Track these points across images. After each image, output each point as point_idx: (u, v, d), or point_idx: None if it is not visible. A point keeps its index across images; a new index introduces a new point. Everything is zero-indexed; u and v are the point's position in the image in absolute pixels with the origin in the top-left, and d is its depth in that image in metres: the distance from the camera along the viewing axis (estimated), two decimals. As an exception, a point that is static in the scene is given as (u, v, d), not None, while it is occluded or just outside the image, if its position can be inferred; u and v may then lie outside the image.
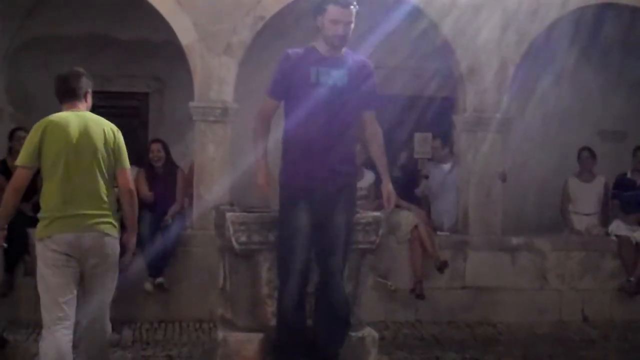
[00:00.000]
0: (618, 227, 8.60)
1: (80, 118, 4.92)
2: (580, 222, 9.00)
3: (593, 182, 9.10)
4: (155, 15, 7.99)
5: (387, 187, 4.94)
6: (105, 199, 4.77)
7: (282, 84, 4.80)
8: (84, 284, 4.75)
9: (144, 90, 10.19)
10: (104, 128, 4.89)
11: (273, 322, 4.89)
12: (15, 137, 8.13)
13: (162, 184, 8.09)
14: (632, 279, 8.33)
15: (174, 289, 7.80)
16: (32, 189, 7.94)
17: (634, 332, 7.97)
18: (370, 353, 5.10)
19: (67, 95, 5.13)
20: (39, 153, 4.77)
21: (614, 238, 8.55)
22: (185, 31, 7.97)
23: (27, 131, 8.06)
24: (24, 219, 7.69)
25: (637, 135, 9.87)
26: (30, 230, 7.64)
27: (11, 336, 6.99)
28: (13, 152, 8.13)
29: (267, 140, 4.86)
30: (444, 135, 8.89)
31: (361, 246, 5.07)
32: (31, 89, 9.71)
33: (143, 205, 7.84)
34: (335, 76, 4.74)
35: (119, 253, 4.88)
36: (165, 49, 9.04)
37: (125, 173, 4.90)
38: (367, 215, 5.11)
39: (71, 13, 9.42)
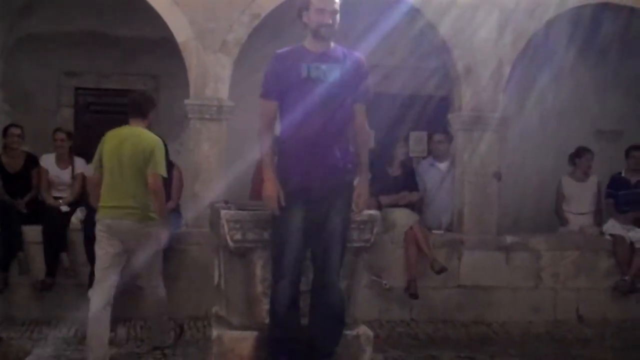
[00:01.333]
0: (613, 226, 8.61)
1: (130, 132, 6.15)
2: (574, 222, 9.00)
3: (587, 181, 9.11)
4: (151, 13, 7.98)
5: (362, 188, 4.90)
6: (136, 196, 5.98)
7: (274, 84, 4.80)
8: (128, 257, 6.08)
9: (140, 88, 10.15)
10: (144, 142, 6.07)
11: (268, 320, 4.88)
12: (9, 134, 8.10)
13: None
14: (626, 277, 8.34)
15: (168, 287, 7.77)
16: (26, 188, 8.02)
17: (628, 331, 7.99)
18: (365, 351, 5.09)
19: (132, 112, 6.28)
20: (100, 159, 6.13)
21: (608, 237, 8.56)
22: (181, 29, 7.96)
23: (21, 128, 8.14)
24: (18, 217, 7.70)
25: (632, 134, 9.88)
26: (24, 228, 7.65)
27: (5, 334, 6.98)
28: (8, 148, 8.12)
29: (273, 148, 4.83)
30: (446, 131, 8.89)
31: (356, 244, 5.06)
32: (27, 87, 9.70)
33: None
34: (327, 71, 4.74)
35: (154, 236, 6.08)
36: (161, 47, 9.02)
37: (153, 177, 6.01)
38: (362, 213, 5.09)
39: (67, 10, 9.40)
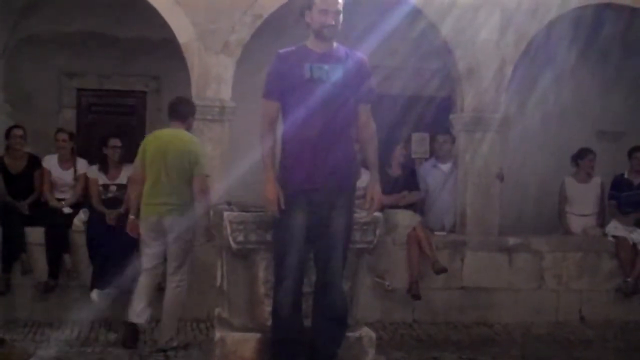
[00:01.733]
0: (615, 227, 8.61)
1: (172, 135, 6.68)
2: (577, 223, 9.00)
3: (590, 182, 9.09)
4: (153, 14, 7.97)
5: (374, 187, 4.90)
6: (179, 194, 6.50)
7: (277, 84, 4.79)
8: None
9: (142, 89, 10.17)
10: (188, 144, 6.60)
11: (270, 321, 4.87)
12: (11, 135, 8.08)
13: None
14: (629, 279, 8.35)
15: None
16: (29, 190, 8.01)
17: (631, 333, 7.99)
18: (367, 353, 5.08)
19: (171, 115, 6.81)
20: (143, 159, 6.61)
21: (611, 239, 8.56)
22: (183, 30, 7.96)
23: (23, 129, 8.13)
24: (21, 218, 7.70)
25: (634, 135, 9.87)
26: (27, 229, 7.65)
27: (7, 335, 6.97)
28: (9, 150, 8.11)
29: (274, 150, 4.82)
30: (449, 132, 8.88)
31: (359, 246, 5.05)
32: (29, 88, 9.70)
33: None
34: (330, 71, 4.73)
35: (190, 231, 6.58)
36: (162, 48, 9.02)
37: (198, 179, 6.53)
38: (372, 215, 5.07)
39: (69, 11, 9.40)
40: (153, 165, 6.55)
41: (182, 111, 6.78)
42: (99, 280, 7.40)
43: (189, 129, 6.87)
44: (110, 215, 7.66)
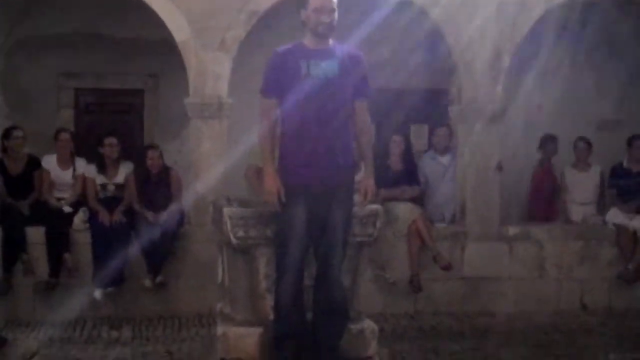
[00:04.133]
0: (615, 215, 8.60)
1: None
2: (577, 212, 9.01)
3: (589, 171, 9.12)
4: (149, 12, 7.98)
5: (368, 181, 4.93)
6: None
7: (274, 81, 4.81)
8: None
9: (139, 87, 10.18)
10: None
11: (272, 316, 4.89)
12: (12, 137, 8.07)
13: (155, 189, 8.03)
14: (630, 266, 8.35)
15: (172, 285, 7.82)
16: (28, 190, 8.03)
17: (632, 320, 7.98)
18: (369, 345, 5.11)
19: None
20: None
21: (611, 227, 8.56)
22: (179, 28, 7.96)
23: (23, 130, 8.14)
24: (21, 219, 7.71)
25: (632, 124, 9.87)
26: (27, 229, 7.67)
27: (10, 335, 7.00)
28: (9, 151, 8.11)
29: (273, 145, 4.84)
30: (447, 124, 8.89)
31: (359, 239, 5.07)
32: (27, 88, 9.72)
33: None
34: (326, 67, 4.76)
35: None
36: (159, 46, 9.03)
37: None
38: (365, 207, 5.09)
39: (66, 11, 9.42)
40: None
41: None
42: (102, 277, 7.42)
43: None
44: (104, 217, 7.67)
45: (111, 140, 8.05)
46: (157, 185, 8.02)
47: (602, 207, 9.03)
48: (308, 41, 4.84)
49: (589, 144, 9.11)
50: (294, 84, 4.74)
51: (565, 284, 8.43)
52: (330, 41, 4.86)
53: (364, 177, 4.97)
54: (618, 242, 8.46)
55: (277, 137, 4.87)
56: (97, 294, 7.49)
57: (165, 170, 8.15)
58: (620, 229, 8.46)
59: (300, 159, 4.76)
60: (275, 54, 4.85)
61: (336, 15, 4.78)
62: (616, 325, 7.82)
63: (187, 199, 8.07)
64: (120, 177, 8.06)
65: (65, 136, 8.21)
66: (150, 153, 8.05)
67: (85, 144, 8.85)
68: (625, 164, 9.01)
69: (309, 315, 4.87)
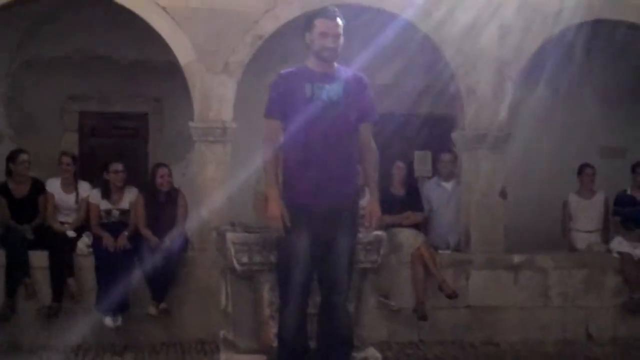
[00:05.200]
0: (620, 243, 8.56)
1: None
2: (581, 240, 8.97)
3: (593, 198, 9.08)
4: (154, 36, 7.99)
5: (373, 205, 4.90)
6: None
7: (278, 103, 4.79)
8: None
9: (144, 111, 10.19)
10: None
11: (276, 343, 4.85)
12: (18, 161, 8.03)
13: (163, 209, 7.97)
14: (635, 296, 8.29)
15: (176, 311, 7.76)
16: (32, 214, 8.00)
17: (638, 350, 7.92)
18: (373, 374, 5.07)
19: None
20: None
21: (615, 255, 8.51)
22: (184, 51, 7.97)
23: (29, 154, 8.13)
24: (25, 243, 7.67)
25: (636, 151, 9.86)
26: (31, 253, 7.63)
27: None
28: (14, 175, 8.08)
29: (277, 169, 4.81)
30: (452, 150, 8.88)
31: (363, 265, 5.05)
32: (31, 111, 9.74)
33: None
34: (330, 90, 4.75)
35: None
36: (164, 69, 9.06)
37: None
38: (368, 234, 5.06)
39: (70, 34, 9.46)
40: None
41: None
42: (106, 303, 7.37)
43: None
44: (108, 242, 7.63)
45: (117, 167, 8.01)
46: (165, 206, 7.97)
47: (606, 234, 9.00)
48: (312, 64, 4.84)
49: (593, 170, 9.08)
50: (298, 107, 4.73)
51: (570, 313, 8.37)
52: (335, 64, 4.86)
53: (369, 202, 4.94)
54: (623, 271, 8.40)
55: (281, 160, 4.85)
56: (108, 321, 7.44)
57: (175, 191, 8.11)
58: (624, 257, 8.41)
59: (305, 183, 4.74)
60: (280, 77, 4.85)
61: (341, 40, 4.78)
62: (621, 355, 7.76)
63: (191, 224, 8.04)
64: (125, 203, 8.01)
65: (67, 159, 8.19)
66: (161, 171, 8.02)
67: (89, 168, 8.83)
68: (629, 192, 8.99)
69: (313, 344, 4.82)
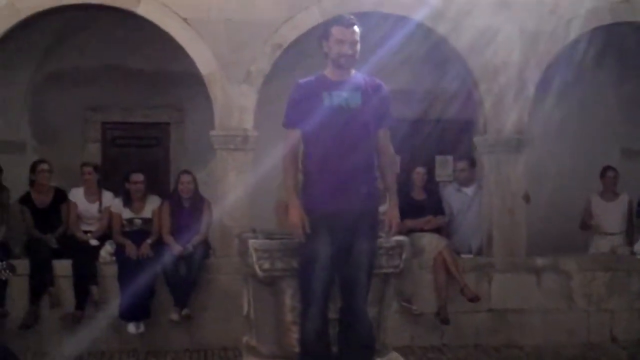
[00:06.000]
0: (644, 246, 8.51)
1: None
2: (605, 242, 8.91)
3: (616, 200, 9.04)
4: (175, 46, 8.05)
5: (392, 212, 4.91)
6: None
7: (297, 112, 4.81)
8: None
9: (165, 121, 10.26)
10: None
11: (298, 349, 4.85)
12: (38, 170, 8.15)
13: (187, 216, 8.02)
14: (659, 298, 8.24)
15: (198, 317, 7.81)
16: (56, 223, 8.08)
17: (664, 352, 7.88)
18: (396, 378, 5.06)
19: None
20: None
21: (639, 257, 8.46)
22: (205, 61, 8.02)
23: (49, 163, 8.22)
24: (48, 252, 7.75)
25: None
26: (54, 262, 7.70)
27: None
28: (36, 184, 8.18)
29: (297, 176, 4.84)
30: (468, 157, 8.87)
31: (385, 270, 5.04)
32: (54, 122, 9.83)
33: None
34: (349, 98, 4.77)
35: None
36: (185, 79, 9.11)
37: None
38: (390, 239, 5.07)
39: (92, 46, 9.55)
40: None
41: None
42: (129, 310, 7.43)
43: None
44: (130, 250, 7.69)
45: (137, 177, 8.08)
46: (189, 213, 8.02)
47: (630, 237, 8.94)
48: (329, 72, 4.86)
49: (616, 172, 9.03)
50: (316, 114, 4.75)
51: (594, 316, 8.32)
52: (352, 71, 4.88)
53: (388, 208, 4.95)
54: (647, 273, 8.35)
55: (301, 168, 4.88)
56: (131, 327, 7.50)
57: (199, 199, 8.15)
58: (649, 259, 8.36)
59: (324, 189, 4.75)
60: (297, 86, 4.87)
61: (358, 47, 4.80)
62: (647, 358, 7.71)
63: (213, 231, 8.09)
64: (147, 212, 8.08)
65: (88, 169, 8.27)
66: (183, 177, 8.08)
67: (112, 177, 8.91)
68: (653, 193, 8.92)
69: (335, 349, 4.83)
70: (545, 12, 8.36)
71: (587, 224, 9.05)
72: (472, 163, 8.67)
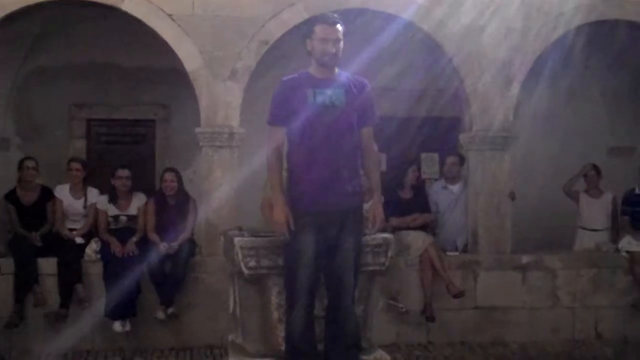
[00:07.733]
0: (629, 243, 8.54)
1: None
2: (589, 239, 8.95)
3: (601, 198, 9.07)
4: (160, 43, 8.02)
5: (376, 208, 4.91)
6: None
7: (281, 109, 4.81)
8: None
9: (151, 118, 10.23)
10: None
11: (284, 346, 4.85)
12: (24, 167, 8.10)
13: (172, 214, 8.00)
14: (644, 295, 8.28)
15: (184, 316, 7.79)
16: (41, 221, 8.04)
17: (648, 349, 7.92)
18: (382, 376, 5.06)
19: None
20: None
21: (624, 254, 8.50)
22: (190, 58, 8.00)
23: (35, 160, 8.17)
24: (33, 250, 7.70)
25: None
26: (39, 260, 7.66)
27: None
28: (22, 181, 8.13)
29: (282, 174, 4.84)
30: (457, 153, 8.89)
31: (371, 268, 5.03)
32: (38, 119, 9.78)
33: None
34: (333, 96, 4.77)
35: None
36: (170, 76, 9.08)
37: None
38: (376, 236, 5.07)
39: (77, 42, 9.50)
40: None
41: None
42: (115, 308, 7.40)
43: None
44: (116, 248, 7.66)
45: (122, 173, 8.05)
46: (175, 211, 8.00)
47: (615, 234, 8.98)
48: (314, 70, 4.86)
49: (597, 170, 9.07)
50: (301, 112, 4.74)
51: (579, 313, 8.37)
52: (336, 69, 4.88)
53: (372, 204, 4.95)
54: (632, 270, 8.39)
55: (285, 166, 4.87)
56: (117, 326, 7.47)
57: (185, 197, 8.12)
58: (633, 256, 8.40)
59: (309, 187, 4.75)
60: (282, 83, 4.87)
61: (342, 44, 4.80)
62: (631, 355, 7.74)
63: (199, 229, 8.06)
64: (132, 209, 8.05)
65: (76, 165, 8.22)
66: (166, 175, 8.06)
67: (97, 175, 8.87)
68: (637, 191, 8.95)
69: (321, 347, 4.83)
70: (532, 10, 8.37)
71: (572, 189, 9.10)
72: (462, 159, 8.69)
